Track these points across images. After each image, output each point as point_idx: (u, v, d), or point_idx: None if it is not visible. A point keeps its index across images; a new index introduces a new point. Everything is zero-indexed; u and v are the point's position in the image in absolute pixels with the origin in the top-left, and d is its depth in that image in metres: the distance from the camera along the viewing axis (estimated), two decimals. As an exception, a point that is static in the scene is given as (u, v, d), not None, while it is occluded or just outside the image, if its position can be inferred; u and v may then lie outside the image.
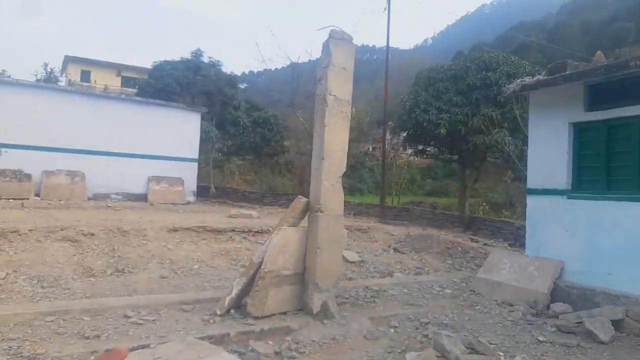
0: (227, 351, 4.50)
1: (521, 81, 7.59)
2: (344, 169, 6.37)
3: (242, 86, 30.33)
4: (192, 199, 18.48)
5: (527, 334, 5.96)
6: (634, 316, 6.20)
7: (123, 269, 7.66)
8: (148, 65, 25.92)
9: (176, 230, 9.50)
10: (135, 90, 27.64)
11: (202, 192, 21.08)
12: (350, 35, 6.06)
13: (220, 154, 26.05)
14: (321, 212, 6.07)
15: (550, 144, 7.67)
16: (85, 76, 42.98)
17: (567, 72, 6.94)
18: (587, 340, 5.79)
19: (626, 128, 6.77)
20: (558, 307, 6.79)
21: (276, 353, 4.76)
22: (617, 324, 6.11)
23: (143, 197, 17.19)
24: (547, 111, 7.77)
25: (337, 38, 5.99)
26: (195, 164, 19.20)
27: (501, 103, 13.67)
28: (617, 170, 6.94)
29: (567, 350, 5.47)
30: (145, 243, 8.71)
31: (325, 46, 6.02)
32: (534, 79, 7.53)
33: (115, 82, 42.90)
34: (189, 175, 18.65)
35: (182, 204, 17.27)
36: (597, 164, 7.15)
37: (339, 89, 6.05)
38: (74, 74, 42.96)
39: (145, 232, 9.08)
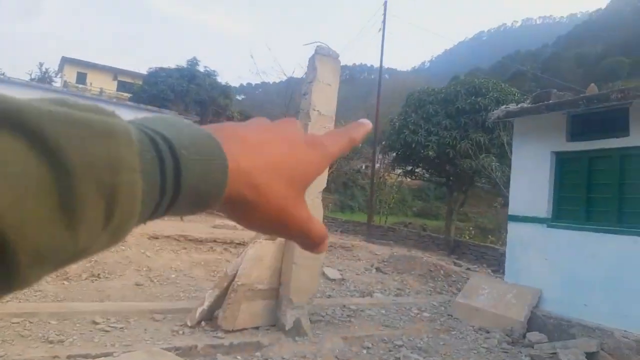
0: (193, 364, 4.43)
1: (506, 108, 7.65)
2: (324, 185, 6.35)
3: (240, 97, 30.51)
4: (178, 207, 18.36)
5: (500, 362, 5.91)
6: (608, 350, 6.18)
7: (99, 274, 7.56)
8: (145, 71, 26.00)
9: (157, 238, 9.41)
10: (130, 95, 27.62)
11: (190, 202, 20.98)
12: (336, 52, 6.10)
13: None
14: (300, 227, 6.02)
15: (533, 171, 7.71)
16: (81, 78, 42.79)
17: (551, 101, 7.01)
18: (559, 372, 5.75)
19: (606, 160, 6.83)
20: (534, 336, 6.76)
21: (242, 368, 4.69)
22: (591, 356, 6.08)
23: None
24: (531, 139, 7.83)
25: (323, 54, 6.02)
26: (184, 173, 19.15)
27: (489, 129, 13.78)
28: (597, 202, 6.97)
29: (538, 381, 5.44)
30: (124, 249, 8.61)
31: (311, 61, 6.04)
32: (519, 106, 7.60)
33: (111, 86, 42.76)
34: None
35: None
36: (578, 194, 7.18)
37: (323, 104, 6.06)
38: (70, 75, 42.78)
39: (125, 238, 8.97)
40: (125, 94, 34.12)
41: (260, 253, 5.90)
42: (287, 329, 5.78)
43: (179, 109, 20.29)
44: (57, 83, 39.14)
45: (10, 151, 0.24)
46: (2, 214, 0.23)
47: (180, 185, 0.32)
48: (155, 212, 0.33)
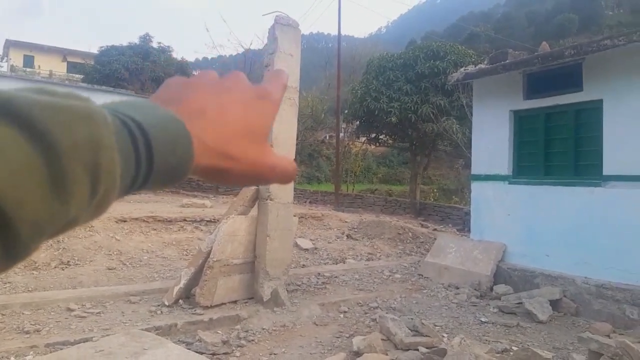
0: (174, 342, 4.46)
1: (464, 70, 7.79)
2: (293, 156, 6.37)
3: (196, 73, 29.77)
4: (142, 188, 18.04)
5: (471, 316, 6.19)
6: (570, 296, 6.55)
7: (68, 262, 7.43)
8: (96, 50, 25.01)
9: (125, 221, 9.28)
10: (82, 77, 26.58)
11: (154, 182, 20.62)
12: (296, 21, 6.02)
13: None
14: (271, 200, 6.07)
15: (493, 131, 7.94)
16: (29, 61, 40.82)
17: (507, 61, 7.18)
18: (526, 320, 6.06)
19: (562, 116, 7.09)
20: (500, 288, 7.08)
21: (224, 342, 4.76)
22: (555, 303, 6.42)
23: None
24: (490, 99, 8.03)
25: (283, 24, 5.94)
26: (146, 152, 18.75)
27: (449, 92, 13.99)
28: (555, 156, 7.26)
29: (507, 330, 5.72)
30: (92, 234, 8.47)
31: (271, 32, 5.96)
32: (477, 67, 7.75)
33: (60, 68, 40.94)
34: (139, 164, 18.12)
35: (132, 194, 16.80)
36: (536, 150, 7.45)
37: (286, 76, 5.99)
38: (16, 59, 40.79)
39: (92, 223, 8.81)
40: (77, 76, 32.82)
41: (233, 228, 5.92)
42: (265, 300, 5.88)
43: (135, 87, 19.68)
44: (3, 67, 37.26)
45: (6, 139, 0.28)
46: (4, 193, 0.27)
47: (153, 159, 0.36)
48: (133, 185, 0.37)
